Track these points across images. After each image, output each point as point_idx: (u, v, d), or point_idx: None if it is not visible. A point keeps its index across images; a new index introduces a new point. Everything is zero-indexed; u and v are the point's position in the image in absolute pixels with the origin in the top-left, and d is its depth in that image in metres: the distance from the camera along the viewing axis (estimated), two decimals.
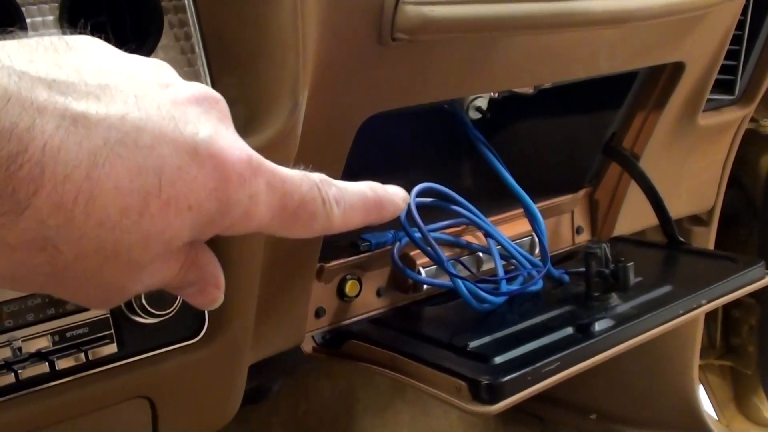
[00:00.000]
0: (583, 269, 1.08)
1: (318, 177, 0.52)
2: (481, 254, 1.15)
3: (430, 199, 1.08)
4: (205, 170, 0.45)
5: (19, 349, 0.72)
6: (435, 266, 1.09)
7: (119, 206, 0.42)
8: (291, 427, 1.68)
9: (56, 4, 0.68)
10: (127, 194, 0.42)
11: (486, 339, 0.99)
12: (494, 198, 1.22)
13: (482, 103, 1.21)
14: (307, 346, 1.05)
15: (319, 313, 1.06)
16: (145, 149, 0.43)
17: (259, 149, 0.72)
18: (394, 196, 0.58)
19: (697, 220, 1.62)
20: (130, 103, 0.44)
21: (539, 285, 1.13)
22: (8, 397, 0.72)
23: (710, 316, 1.93)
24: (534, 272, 1.14)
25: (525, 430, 1.96)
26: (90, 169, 0.41)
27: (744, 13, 1.33)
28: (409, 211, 1.02)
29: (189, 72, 0.74)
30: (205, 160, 0.45)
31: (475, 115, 1.21)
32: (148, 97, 0.45)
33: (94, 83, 0.44)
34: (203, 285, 0.52)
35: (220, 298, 0.54)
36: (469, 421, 1.88)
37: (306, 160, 0.83)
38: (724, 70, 1.36)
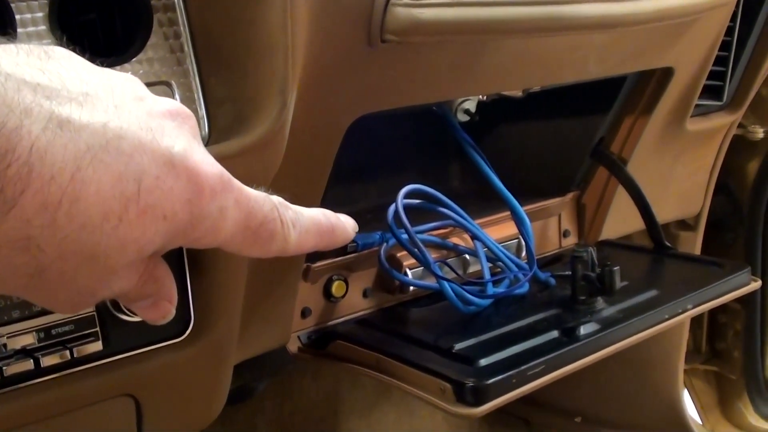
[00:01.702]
0: (569, 272, 1.09)
1: (277, 199, 0.54)
2: (467, 256, 1.15)
3: (417, 201, 1.08)
4: (181, 182, 0.46)
5: (4, 345, 0.72)
6: (421, 268, 1.09)
7: (101, 210, 0.43)
8: (276, 427, 1.68)
9: (46, 2, 0.68)
10: (108, 199, 0.43)
11: (471, 341, 0.99)
12: (482, 200, 1.22)
13: (471, 105, 1.21)
14: (293, 346, 1.06)
15: (305, 313, 1.06)
16: (125, 157, 0.44)
17: (247, 149, 0.73)
18: (346, 224, 0.61)
19: (684, 225, 1.62)
20: (110, 112, 0.45)
21: (525, 288, 1.13)
22: None
23: (696, 321, 1.94)
24: (520, 275, 1.14)
25: None
26: (74, 172, 0.42)
27: (733, 19, 1.33)
28: (396, 213, 1.02)
29: (178, 71, 0.74)
30: (180, 172, 0.46)
31: (463, 117, 1.21)
32: (126, 108, 0.46)
33: (76, 90, 0.45)
34: (158, 298, 0.53)
35: (172, 313, 0.55)
36: (455, 423, 1.88)
37: (294, 160, 0.83)
38: (712, 75, 1.36)
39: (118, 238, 0.45)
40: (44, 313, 0.73)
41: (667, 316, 1.08)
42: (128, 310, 0.76)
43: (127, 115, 0.46)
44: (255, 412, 1.66)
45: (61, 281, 0.45)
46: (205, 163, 0.48)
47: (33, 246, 0.43)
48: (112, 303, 0.76)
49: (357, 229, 0.63)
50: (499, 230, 1.20)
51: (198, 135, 0.50)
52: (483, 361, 0.94)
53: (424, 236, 1.10)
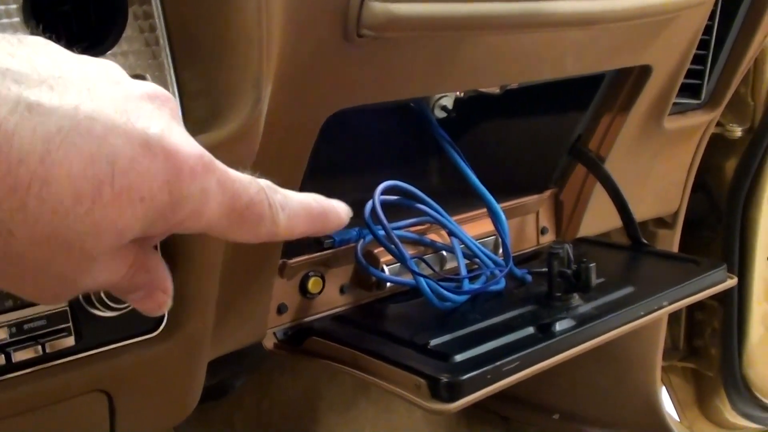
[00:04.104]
0: (546, 269, 1.09)
1: (264, 182, 0.53)
2: (444, 253, 1.15)
3: (394, 197, 1.08)
4: (158, 162, 0.45)
5: None
6: (398, 264, 1.09)
7: (73, 193, 0.43)
8: (253, 423, 1.68)
9: None
10: (80, 181, 0.43)
11: (447, 337, 0.99)
12: (459, 197, 1.22)
13: (448, 102, 1.21)
14: (269, 343, 1.05)
15: (281, 309, 1.06)
16: (98, 138, 0.43)
17: (222, 143, 0.73)
18: (338, 208, 0.59)
19: (662, 222, 1.63)
20: (83, 95, 0.44)
21: (501, 284, 1.13)
22: None
23: (674, 318, 1.94)
24: (496, 271, 1.14)
25: (489, 430, 1.96)
26: (44, 154, 0.42)
27: (711, 18, 1.34)
28: (373, 209, 1.02)
29: (153, 64, 0.74)
30: (157, 152, 0.45)
31: (440, 113, 1.21)
32: (100, 91, 0.45)
33: (48, 74, 0.44)
34: (151, 289, 0.52)
35: (168, 304, 0.54)
36: (433, 419, 1.89)
37: (269, 155, 0.83)
38: (690, 74, 1.36)
39: (92, 222, 0.44)
40: (16, 308, 0.73)
41: (642, 313, 1.09)
42: (101, 305, 0.76)
43: (101, 97, 0.45)
44: (233, 408, 1.65)
45: (37, 268, 0.45)
46: (184, 143, 0.47)
47: (3, 230, 0.42)
48: (84, 298, 0.75)
49: (351, 214, 0.61)
50: (476, 227, 1.20)
51: (178, 117, 0.50)
52: (458, 357, 0.94)
53: (401, 232, 1.10)
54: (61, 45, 0.49)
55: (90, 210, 0.43)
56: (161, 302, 0.54)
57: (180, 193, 0.47)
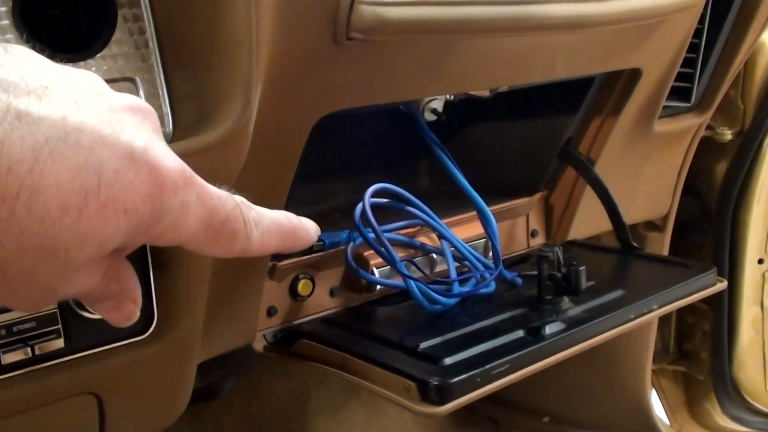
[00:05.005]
0: (536, 272, 1.09)
1: (239, 199, 0.54)
2: (434, 255, 1.15)
3: (384, 200, 1.08)
4: (142, 175, 0.46)
5: None
6: (388, 267, 1.09)
7: (60, 203, 0.43)
8: (243, 426, 1.67)
9: None
10: (68, 192, 0.43)
11: (437, 340, 0.99)
12: (450, 199, 1.22)
13: (437, 105, 1.21)
14: (259, 345, 1.05)
15: (270, 311, 1.06)
16: (85, 150, 0.44)
17: (211, 146, 0.73)
18: (308, 226, 0.61)
19: (652, 225, 1.63)
20: (69, 106, 0.45)
21: (491, 287, 1.13)
22: None
23: (664, 322, 1.95)
24: (486, 274, 1.14)
25: None
26: (33, 164, 0.42)
27: (701, 21, 1.34)
28: (363, 212, 1.02)
29: (142, 67, 0.74)
30: (141, 165, 0.46)
31: (430, 116, 1.21)
32: (86, 102, 0.46)
33: (35, 84, 0.44)
34: (121, 299, 0.53)
35: (136, 315, 0.55)
36: (423, 422, 1.88)
37: (259, 158, 0.83)
38: (680, 77, 1.37)
39: (78, 232, 0.44)
40: (5, 309, 0.72)
41: (632, 316, 1.09)
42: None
43: (87, 109, 0.45)
44: (222, 411, 1.65)
45: (21, 277, 0.45)
46: (167, 157, 0.48)
47: None
48: (74, 300, 0.75)
49: (319, 232, 0.63)
50: (466, 230, 1.20)
51: (159, 130, 0.50)
52: (448, 360, 0.94)
53: (391, 235, 1.10)
54: (46, 52, 0.49)
55: (76, 220, 0.44)
56: (130, 312, 0.54)
57: (162, 206, 0.47)
